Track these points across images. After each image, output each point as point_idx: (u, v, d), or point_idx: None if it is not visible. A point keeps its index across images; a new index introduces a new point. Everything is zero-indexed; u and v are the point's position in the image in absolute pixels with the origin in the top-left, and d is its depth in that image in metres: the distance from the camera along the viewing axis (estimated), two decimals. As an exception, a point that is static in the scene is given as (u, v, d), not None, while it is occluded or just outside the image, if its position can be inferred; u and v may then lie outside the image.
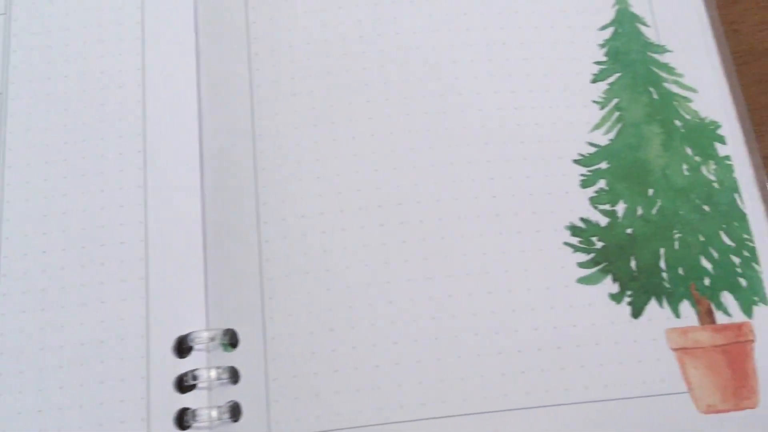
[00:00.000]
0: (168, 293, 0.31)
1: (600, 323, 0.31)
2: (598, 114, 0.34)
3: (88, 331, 0.31)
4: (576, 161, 0.33)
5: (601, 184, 0.33)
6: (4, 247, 0.32)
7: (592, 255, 0.32)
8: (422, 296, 0.31)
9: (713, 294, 0.32)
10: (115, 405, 0.29)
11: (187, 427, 0.29)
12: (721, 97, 0.35)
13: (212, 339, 0.31)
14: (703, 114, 0.35)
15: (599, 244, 0.32)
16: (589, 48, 0.35)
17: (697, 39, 0.36)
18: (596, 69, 0.35)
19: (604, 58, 0.35)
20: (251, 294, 0.31)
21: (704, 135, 0.34)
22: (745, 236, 0.33)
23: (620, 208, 0.33)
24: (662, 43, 0.36)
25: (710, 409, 0.30)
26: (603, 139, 0.34)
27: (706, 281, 0.32)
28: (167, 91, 0.34)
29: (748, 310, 0.32)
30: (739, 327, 0.31)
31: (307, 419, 0.29)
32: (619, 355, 0.31)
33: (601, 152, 0.34)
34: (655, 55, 0.36)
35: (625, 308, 0.31)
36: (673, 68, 0.35)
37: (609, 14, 0.36)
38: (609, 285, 0.32)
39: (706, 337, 0.31)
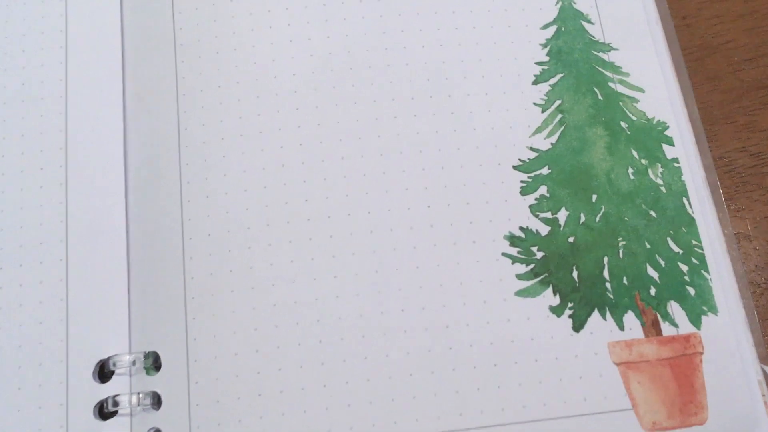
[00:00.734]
0: (89, 315, 0.30)
1: (539, 338, 0.30)
2: (539, 117, 0.33)
3: (3, 355, 0.29)
4: (516, 167, 0.32)
5: (542, 190, 0.32)
6: None
7: (531, 266, 0.31)
8: (351, 314, 0.30)
9: (659, 304, 0.30)
10: (32, 433, 0.28)
11: (106, 457, 0.28)
12: (670, 97, 0.33)
13: (134, 363, 0.29)
14: (650, 114, 0.33)
15: (539, 254, 0.31)
16: (530, 48, 0.34)
17: (646, 35, 0.34)
18: (538, 70, 0.34)
19: (546, 58, 0.34)
20: (174, 314, 0.30)
21: (651, 137, 0.33)
22: (694, 242, 0.31)
23: (562, 215, 0.31)
24: (608, 41, 0.34)
25: (655, 427, 0.29)
26: (544, 143, 0.32)
27: (652, 291, 0.30)
28: (91, 102, 0.33)
29: (696, 321, 0.30)
30: (686, 339, 0.30)
31: (231, 446, 0.28)
32: (559, 371, 0.29)
33: (543, 157, 0.32)
34: (600, 54, 0.34)
35: (566, 321, 0.30)
36: (619, 67, 0.34)
37: (552, 12, 0.35)
38: (549, 297, 0.30)
39: (651, 350, 0.30)
